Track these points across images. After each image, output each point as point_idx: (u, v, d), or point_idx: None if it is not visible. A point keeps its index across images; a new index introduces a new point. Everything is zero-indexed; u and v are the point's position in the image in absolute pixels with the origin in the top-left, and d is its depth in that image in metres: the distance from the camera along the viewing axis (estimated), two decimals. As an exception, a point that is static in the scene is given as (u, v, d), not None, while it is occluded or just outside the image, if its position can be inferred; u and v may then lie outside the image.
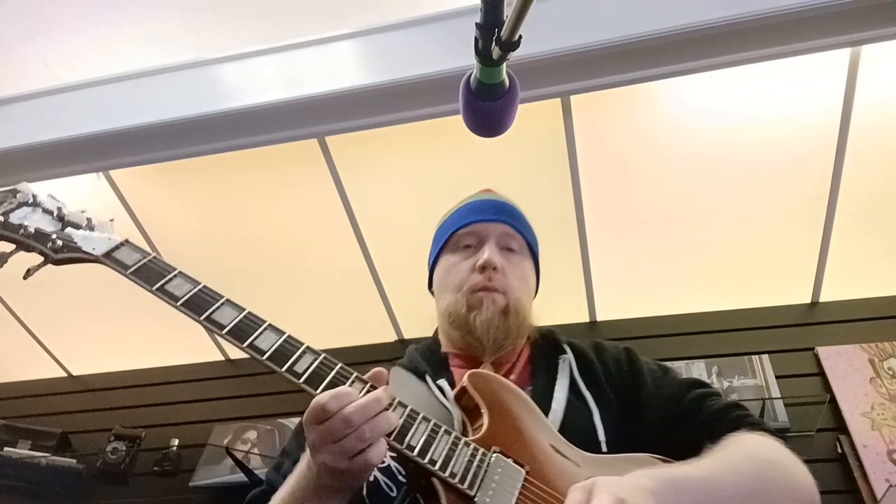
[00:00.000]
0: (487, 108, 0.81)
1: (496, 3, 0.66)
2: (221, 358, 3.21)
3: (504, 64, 0.76)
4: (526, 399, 0.98)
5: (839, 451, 2.18)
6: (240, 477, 2.60)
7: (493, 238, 1.17)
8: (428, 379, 1.07)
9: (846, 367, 2.37)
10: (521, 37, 0.67)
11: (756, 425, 0.96)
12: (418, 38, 2.23)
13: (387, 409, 0.80)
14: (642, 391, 1.07)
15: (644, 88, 2.20)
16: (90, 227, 0.97)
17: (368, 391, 0.82)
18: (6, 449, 2.90)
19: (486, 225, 1.19)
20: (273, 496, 0.91)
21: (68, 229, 0.95)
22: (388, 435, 0.80)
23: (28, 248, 0.92)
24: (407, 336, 3.01)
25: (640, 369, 1.11)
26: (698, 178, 2.45)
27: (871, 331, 2.45)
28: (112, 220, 1.01)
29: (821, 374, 2.40)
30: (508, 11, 0.65)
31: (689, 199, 2.51)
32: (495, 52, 0.71)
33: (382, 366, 0.90)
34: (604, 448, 0.97)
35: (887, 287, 2.53)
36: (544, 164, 2.43)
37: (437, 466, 0.81)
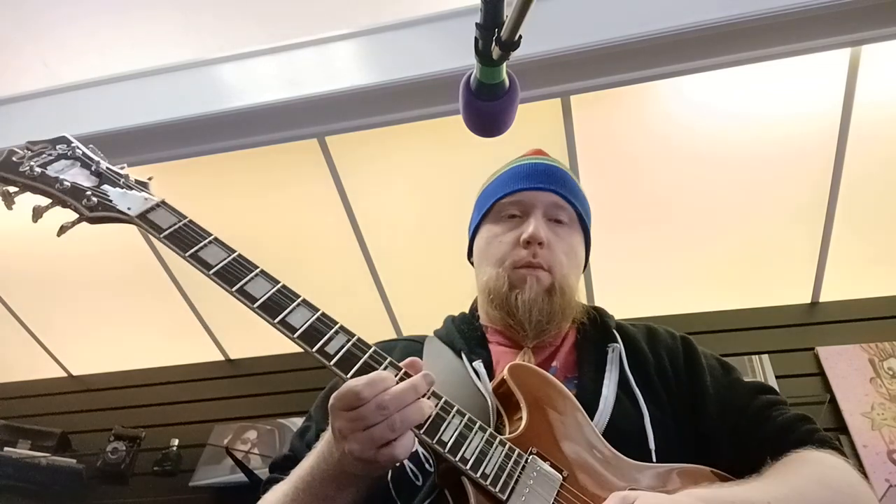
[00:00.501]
0: (487, 108, 0.81)
1: (496, 3, 0.66)
2: (221, 358, 3.21)
3: (504, 64, 0.76)
4: (569, 397, 0.91)
5: (839, 451, 2.18)
6: (240, 477, 2.60)
7: (541, 209, 1.08)
8: (464, 357, 1.01)
9: (846, 367, 2.36)
10: (521, 37, 0.67)
11: (825, 442, 0.90)
12: (418, 38, 2.23)
13: (421, 399, 0.76)
14: (700, 392, 0.98)
15: (644, 88, 2.19)
16: (127, 185, 0.92)
17: (402, 378, 0.77)
18: (6, 449, 2.89)
19: (532, 193, 1.09)
20: (292, 472, 0.87)
21: (104, 186, 0.91)
22: (420, 428, 0.76)
23: (63, 204, 0.88)
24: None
25: (700, 366, 1.01)
26: (698, 177, 2.45)
27: (871, 331, 2.44)
28: (150, 179, 0.96)
29: (821, 374, 2.39)
30: (508, 11, 0.65)
31: (688, 198, 2.51)
32: (495, 52, 0.71)
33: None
34: (653, 457, 0.90)
35: (887, 287, 2.53)
36: (544, 164, 2.43)
37: (468, 466, 0.77)
